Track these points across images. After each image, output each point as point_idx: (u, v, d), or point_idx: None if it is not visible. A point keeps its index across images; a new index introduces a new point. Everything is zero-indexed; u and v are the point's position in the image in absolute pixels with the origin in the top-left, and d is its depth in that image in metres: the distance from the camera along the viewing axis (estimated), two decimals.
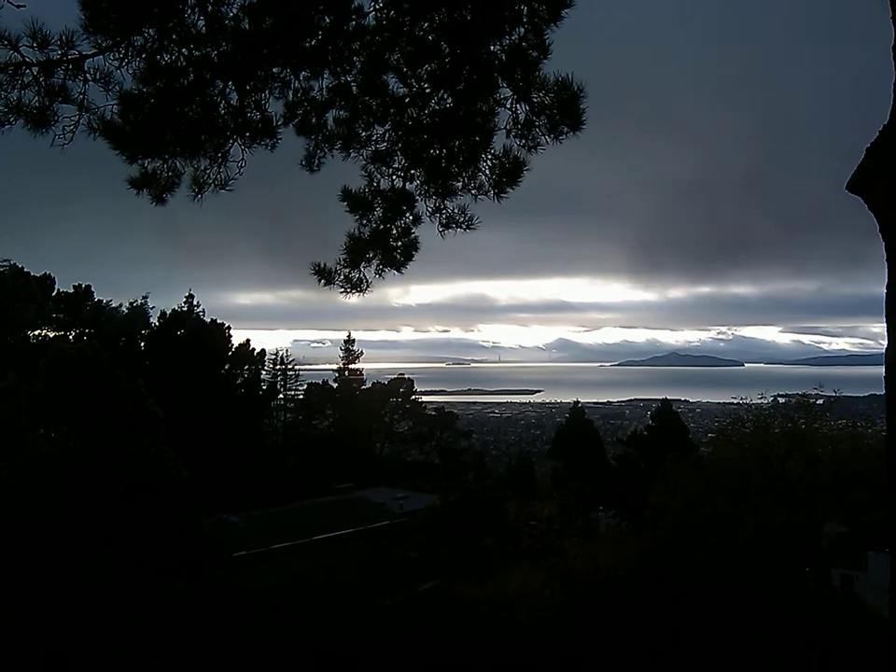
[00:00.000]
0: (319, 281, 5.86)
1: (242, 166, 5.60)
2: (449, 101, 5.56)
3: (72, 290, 43.06)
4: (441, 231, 5.82)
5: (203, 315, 46.84)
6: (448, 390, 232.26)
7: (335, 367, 54.99)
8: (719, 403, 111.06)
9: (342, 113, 5.70)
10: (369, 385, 55.40)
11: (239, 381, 48.53)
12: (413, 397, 55.32)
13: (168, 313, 44.86)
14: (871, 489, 22.04)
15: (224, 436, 38.31)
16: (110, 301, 44.96)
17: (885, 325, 3.54)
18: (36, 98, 4.88)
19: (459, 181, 5.75)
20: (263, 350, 50.44)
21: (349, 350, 54.27)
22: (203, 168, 5.55)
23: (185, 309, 45.94)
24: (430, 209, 5.86)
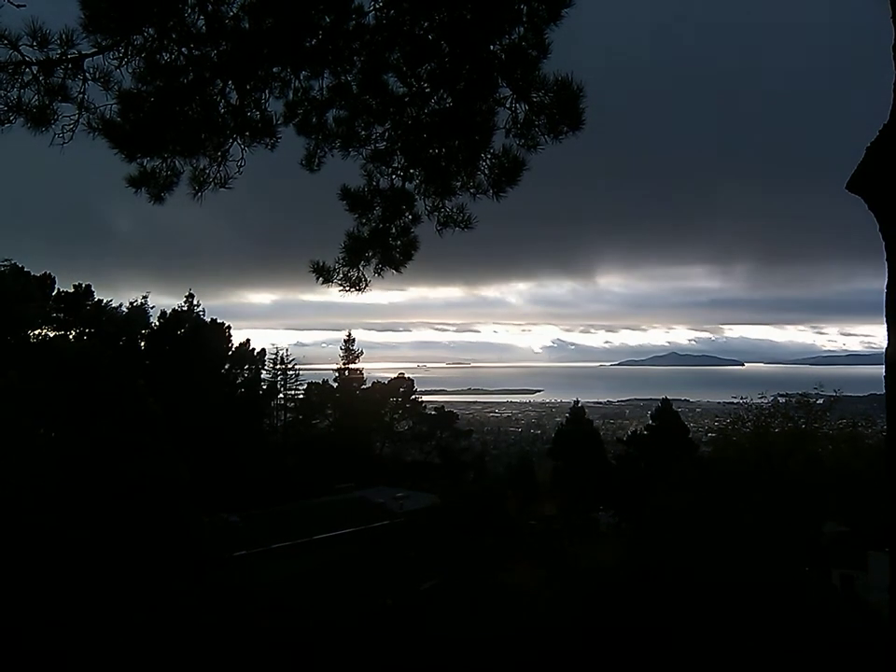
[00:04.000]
0: (318, 279, 5.86)
1: (241, 165, 5.60)
2: (449, 100, 5.55)
3: (72, 290, 43.03)
4: (438, 230, 5.82)
5: (203, 315, 46.88)
6: (448, 390, 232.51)
7: (335, 366, 55.00)
8: (719, 403, 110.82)
9: (341, 112, 5.70)
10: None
11: (239, 381, 48.51)
12: (413, 396, 55.32)
13: (168, 312, 44.88)
14: (871, 489, 22.04)
15: (224, 436, 38.29)
16: (110, 300, 44.94)
17: (885, 325, 3.54)
18: (36, 97, 4.89)
19: (458, 180, 5.75)
20: (263, 350, 50.47)
21: (349, 350, 54.29)
22: (202, 167, 5.55)
23: (185, 309, 45.95)
24: (428, 208, 5.86)
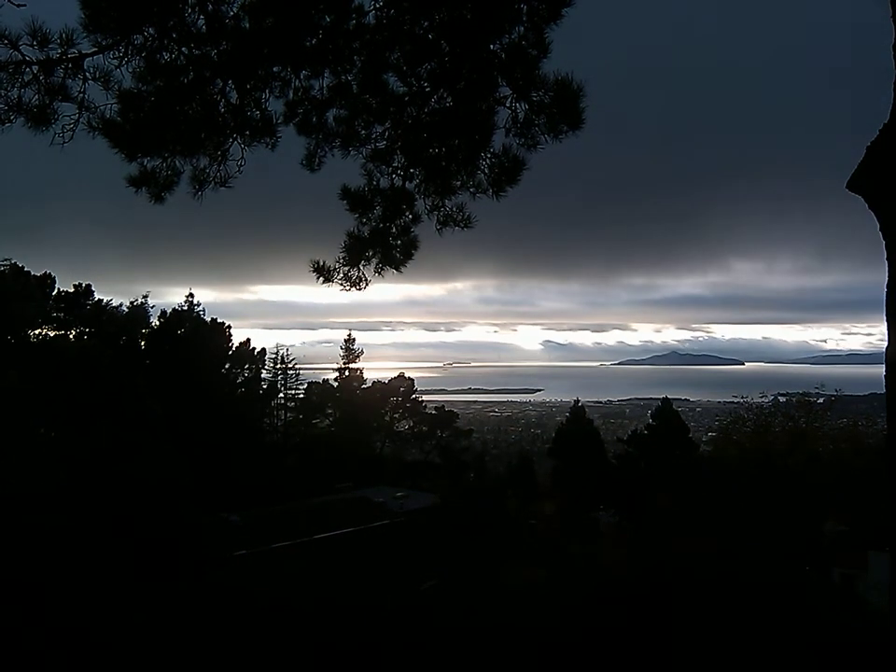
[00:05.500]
0: (318, 279, 5.87)
1: (241, 164, 5.61)
2: (448, 100, 5.56)
3: (72, 289, 43.02)
4: (438, 229, 5.83)
5: (204, 315, 46.88)
6: (448, 389, 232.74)
7: (336, 366, 54.98)
8: (719, 402, 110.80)
9: (341, 112, 5.70)
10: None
11: (239, 380, 48.50)
12: (414, 396, 55.31)
13: (168, 312, 44.89)
14: (871, 489, 22.06)
15: (224, 435, 38.28)
16: (111, 300, 44.92)
17: (885, 324, 3.54)
18: (36, 96, 4.89)
19: (458, 180, 5.75)
20: (263, 349, 50.44)
21: (349, 349, 54.28)
22: (202, 166, 5.56)
23: (185, 309, 45.95)
24: (428, 207, 5.87)
